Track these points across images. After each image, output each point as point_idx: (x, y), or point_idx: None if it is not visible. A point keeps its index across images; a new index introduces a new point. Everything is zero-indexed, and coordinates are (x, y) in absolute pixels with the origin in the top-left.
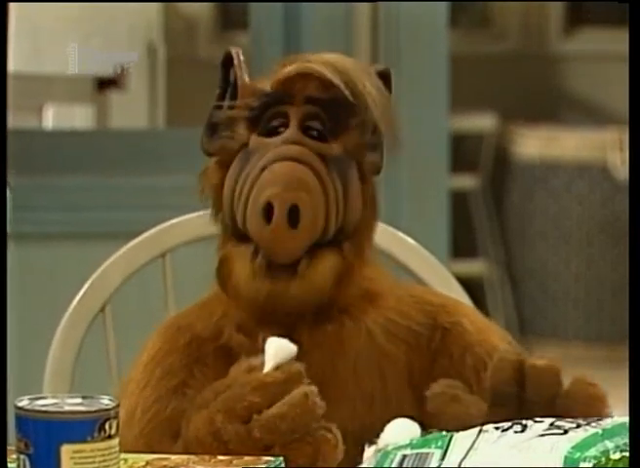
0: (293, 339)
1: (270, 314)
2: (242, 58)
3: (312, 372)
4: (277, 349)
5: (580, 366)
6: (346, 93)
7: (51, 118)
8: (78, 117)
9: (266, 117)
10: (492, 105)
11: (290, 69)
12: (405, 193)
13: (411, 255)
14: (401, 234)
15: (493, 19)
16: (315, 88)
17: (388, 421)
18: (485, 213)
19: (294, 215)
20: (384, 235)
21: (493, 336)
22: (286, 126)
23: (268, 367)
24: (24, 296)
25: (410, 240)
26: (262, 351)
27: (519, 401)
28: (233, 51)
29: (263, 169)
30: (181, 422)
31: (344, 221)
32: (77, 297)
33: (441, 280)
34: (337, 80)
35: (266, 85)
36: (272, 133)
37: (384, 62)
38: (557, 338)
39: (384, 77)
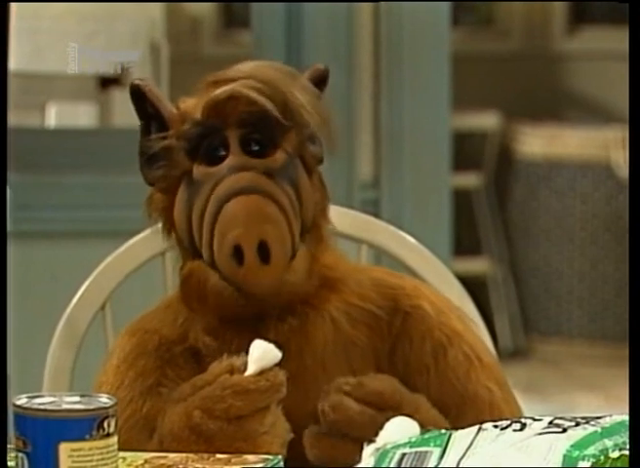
0: (259, 337)
1: (236, 315)
2: (153, 88)
3: (281, 368)
4: (262, 353)
5: (583, 364)
6: (274, 112)
7: (53, 116)
8: (81, 115)
9: (205, 145)
10: (495, 104)
11: (217, 94)
12: (408, 192)
13: (411, 254)
14: (401, 232)
15: (496, 17)
16: (245, 106)
17: None
18: (488, 211)
19: (264, 251)
20: (385, 233)
21: (452, 319)
22: (226, 148)
23: (251, 370)
24: (25, 294)
25: (410, 238)
26: (245, 352)
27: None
28: (141, 83)
29: (219, 207)
30: (158, 420)
31: (303, 221)
32: (77, 295)
33: (441, 278)
34: (264, 100)
35: (194, 109)
36: (214, 159)
37: (386, 61)
38: (561, 337)
39: (322, 77)
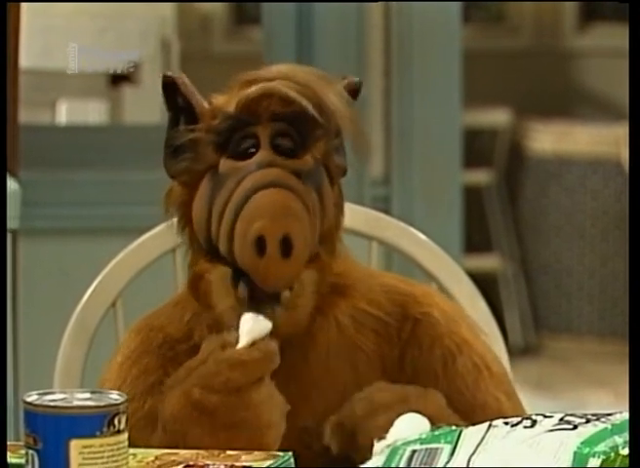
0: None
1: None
2: (186, 81)
3: (285, 370)
4: (252, 325)
5: (593, 361)
6: (312, 111)
7: (64, 113)
8: (91, 112)
9: (235, 140)
10: (506, 101)
11: (253, 90)
12: (418, 189)
13: (421, 251)
14: (412, 229)
15: (507, 14)
16: (280, 104)
17: None
18: (499, 208)
19: (286, 245)
20: (395, 230)
21: (462, 327)
22: (256, 146)
23: (243, 342)
24: (36, 292)
25: (420, 235)
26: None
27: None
28: (175, 76)
29: (246, 198)
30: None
31: (321, 230)
32: (88, 292)
33: (452, 275)
34: (301, 99)
35: (226, 105)
36: (243, 155)
37: (397, 58)
38: (571, 333)
39: (355, 90)
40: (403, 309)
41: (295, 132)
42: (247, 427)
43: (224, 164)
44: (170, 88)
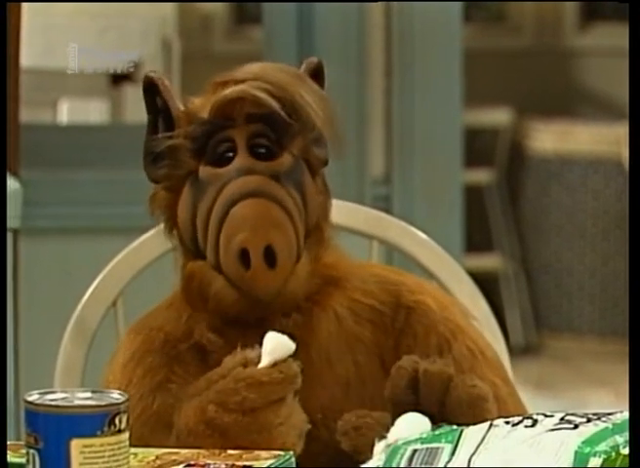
0: (263, 333)
1: (239, 316)
2: (167, 83)
3: None
4: (275, 345)
5: (594, 360)
6: (282, 113)
7: (65, 113)
8: (92, 112)
9: (211, 145)
10: (507, 100)
11: (225, 94)
12: (419, 188)
13: (422, 250)
14: (413, 228)
15: (508, 14)
16: (253, 106)
17: (365, 404)
18: (500, 207)
19: (270, 256)
20: (396, 229)
21: (456, 314)
22: (233, 150)
23: (265, 362)
24: (37, 291)
25: (421, 234)
26: (260, 344)
27: (415, 408)
28: (155, 76)
29: (227, 209)
30: (170, 415)
31: (307, 223)
32: (89, 291)
33: (453, 274)
34: (271, 101)
35: (201, 109)
36: (221, 159)
37: (398, 58)
38: (572, 333)
39: (317, 70)
40: (396, 298)
41: (270, 131)
42: (259, 449)
43: (204, 171)
44: (150, 89)
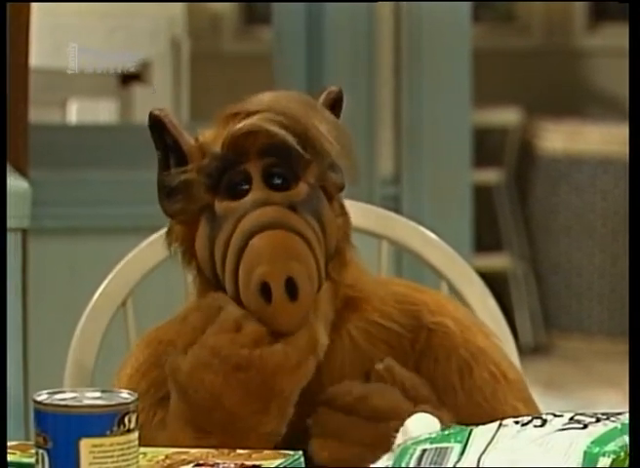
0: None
1: None
2: (172, 119)
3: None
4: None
5: (603, 360)
6: (295, 146)
7: (74, 113)
8: (102, 111)
9: (226, 179)
10: (516, 100)
11: (237, 128)
12: (428, 188)
13: (431, 250)
14: (422, 228)
15: (517, 14)
16: (266, 139)
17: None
18: (509, 207)
19: (291, 288)
20: (405, 229)
21: (477, 335)
22: (248, 182)
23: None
24: (46, 291)
25: (430, 234)
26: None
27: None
28: (160, 114)
29: (245, 242)
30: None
31: (326, 249)
32: (98, 292)
33: (462, 274)
34: (285, 134)
35: (213, 142)
36: (236, 192)
37: (407, 58)
38: (581, 333)
39: (336, 100)
40: (416, 320)
41: (285, 163)
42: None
43: (220, 205)
44: (156, 126)
